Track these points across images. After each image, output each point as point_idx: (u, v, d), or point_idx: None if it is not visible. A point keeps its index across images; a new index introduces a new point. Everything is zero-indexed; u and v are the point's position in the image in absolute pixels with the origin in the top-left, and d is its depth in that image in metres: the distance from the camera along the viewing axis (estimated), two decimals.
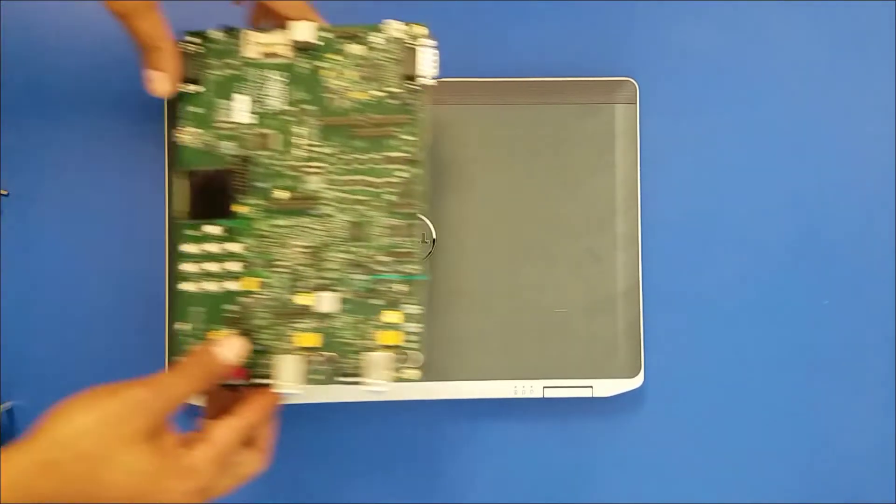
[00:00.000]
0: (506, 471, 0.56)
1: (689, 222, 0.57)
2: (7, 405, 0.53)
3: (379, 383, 0.43)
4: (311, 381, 0.44)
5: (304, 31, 0.45)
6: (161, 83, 0.44)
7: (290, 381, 0.43)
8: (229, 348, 0.42)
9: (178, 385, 0.39)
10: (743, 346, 0.57)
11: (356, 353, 0.44)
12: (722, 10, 0.58)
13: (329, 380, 0.44)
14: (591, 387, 0.52)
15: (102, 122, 0.54)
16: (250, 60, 0.45)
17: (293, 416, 0.54)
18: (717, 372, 0.57)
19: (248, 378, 0.44)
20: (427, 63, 0.45)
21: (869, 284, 0.58)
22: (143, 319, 0.53)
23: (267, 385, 0.43)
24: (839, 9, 0.58)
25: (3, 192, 0.53)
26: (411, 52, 0.45)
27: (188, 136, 0.45)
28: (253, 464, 0.42)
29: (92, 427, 0.36)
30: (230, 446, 0.40)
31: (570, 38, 0.57)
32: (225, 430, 0.40)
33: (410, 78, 0.45)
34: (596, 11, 0.57)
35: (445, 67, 0.53)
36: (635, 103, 0.55)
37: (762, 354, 0.57)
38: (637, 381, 0.54)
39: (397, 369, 0.44)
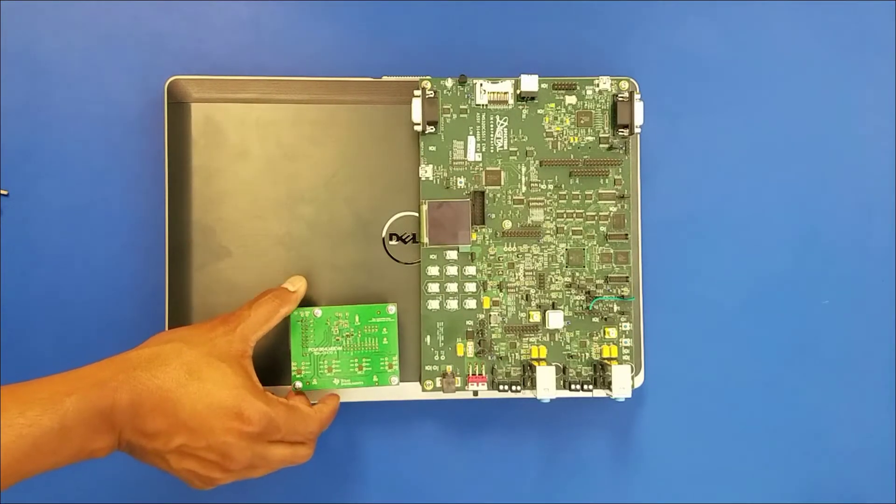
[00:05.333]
0: (506, 470, 0.56)
1: (689, 222, 0.57)
2: None
3: (622, 395, 0.50)
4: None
5: (528, 83, 0.50)
6: None
7: (548, 388, 0.49)
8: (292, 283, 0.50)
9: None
10: (743, 346, 0.57)
11: (579, 364, 0.52)
12: (722, 11, 0.58)
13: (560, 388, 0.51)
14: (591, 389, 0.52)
15: (102, 121, 0.54)
16: (479, 106, 0.51)
17: None
18: (717, 372, 0.57)
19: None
20: (640, 114, 0.51)
21: (869, 284, 0.58)
22: (142, 319, 0.53)
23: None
24: (839, 9, 0.58)
25: (3, 192, 0.53)
26: (627, 104, 0.51)
27: (428, 171, 0.51)
28: (299, 456, 0.47)
29: None
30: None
31: (570, 38, 0.57)
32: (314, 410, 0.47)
33: (625, 127, 0.51)
34: (596, 11, 0.57)
35: (452, 67, 0.54)
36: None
37: (762, 354, 0.57)
38: (637, 381, 0.54)
39: (633, 379, 0.51)
